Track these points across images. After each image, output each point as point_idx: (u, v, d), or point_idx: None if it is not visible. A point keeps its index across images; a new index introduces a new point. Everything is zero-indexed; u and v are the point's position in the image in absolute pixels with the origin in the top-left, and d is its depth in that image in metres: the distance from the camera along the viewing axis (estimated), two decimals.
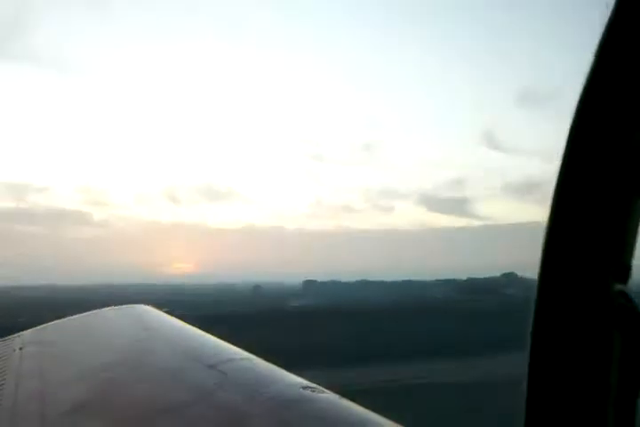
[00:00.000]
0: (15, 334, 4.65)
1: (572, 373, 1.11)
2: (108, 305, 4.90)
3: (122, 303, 4.88)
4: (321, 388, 2.38)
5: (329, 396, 2.29)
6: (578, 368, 1.11)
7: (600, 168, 1.10)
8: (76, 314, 4.89)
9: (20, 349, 4.09)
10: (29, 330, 4.65)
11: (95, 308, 4.91)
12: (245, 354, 2.93)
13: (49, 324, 4.73)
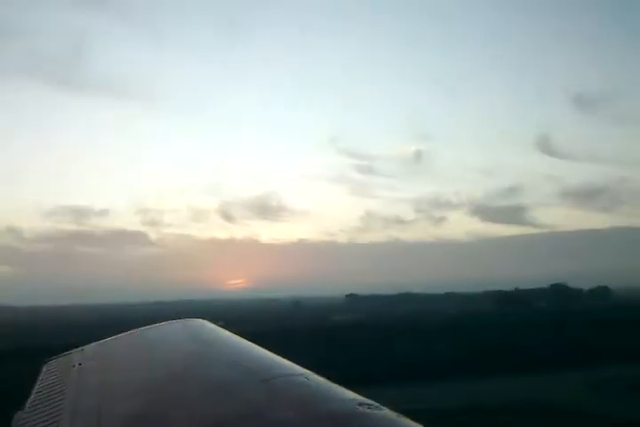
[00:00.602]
0: (74, 350, 4.73)
1: None
2: (166, 320, 4.94)
3: (177, 318, 4.92)
4: (378, 405, 2.31)
5: (386, 413, 2.22)
6: None
7: None
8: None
9: (80, 364, 4.15)
10: (88, 345, 4.72)
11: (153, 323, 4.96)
12: (301, 370, 2.88)
13: (107, 339, 4.79)
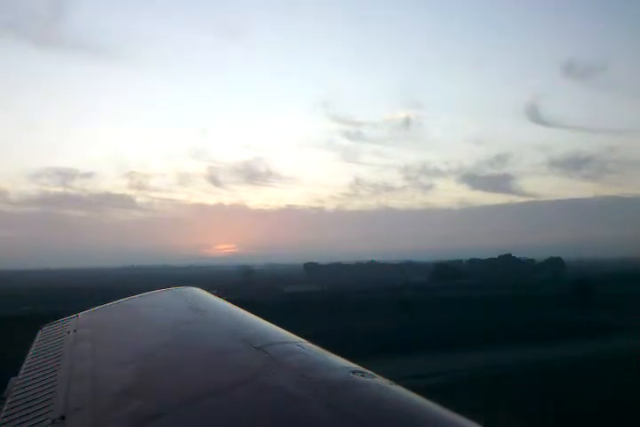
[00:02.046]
0: (68, 317, 4.75)
1: None
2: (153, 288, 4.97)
3: (166, 285, 4.94)
4: (371, 372, 2.32)
5: (379, 381, 2.23)
6: None
7: None
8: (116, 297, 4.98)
9: (75, 331, 4.17)
10: (82, 313, 4.74)
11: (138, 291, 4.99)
12: (294, 338, 2.90)
13: (101, 306, 4.81)
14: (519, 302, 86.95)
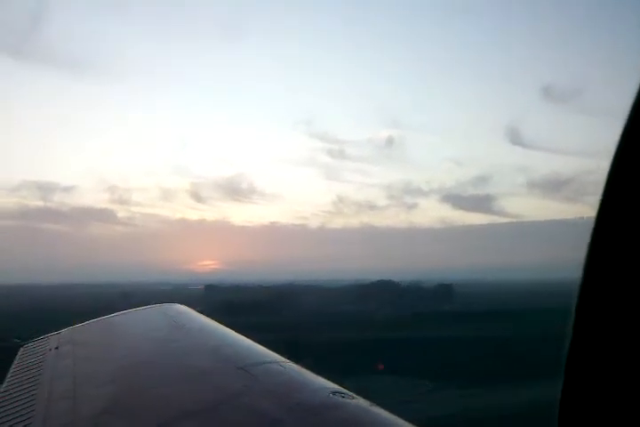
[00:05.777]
0: (51, 334, 4.72)
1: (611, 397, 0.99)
2: (137, 304, 4.94)
3: (148, 302, 4.93)
4: (351, 393, 2.33)
5: (359, 402, 2.24)
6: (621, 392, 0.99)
7: None
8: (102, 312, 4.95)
9: (56, 348, 4.14)
10: (65, 329, 4.71)
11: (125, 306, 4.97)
12: (276, 357, 2.90)
13: (84, 323, 4.78)
14: None
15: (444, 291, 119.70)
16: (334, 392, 2.31)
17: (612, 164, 1.01)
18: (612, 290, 1.01)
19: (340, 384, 2.47)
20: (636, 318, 0.99)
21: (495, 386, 48.82)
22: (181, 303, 4.81)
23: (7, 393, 3.42)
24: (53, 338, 4.51)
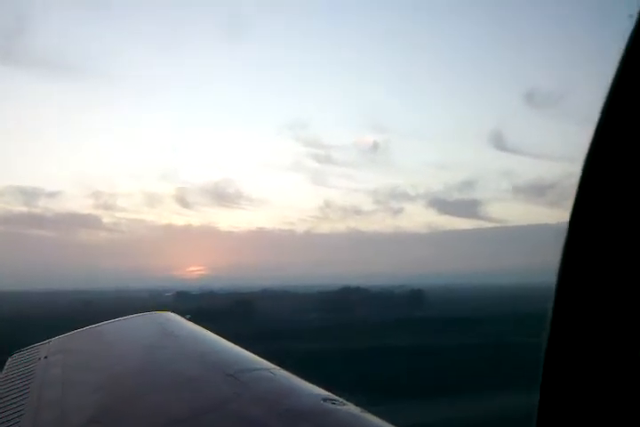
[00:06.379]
0: (40, 343, 4.68)
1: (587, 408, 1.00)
2: (120, 311, 4.91)
3: (134, 310, 4.91)
4: (342, 400, 2.33)
5: (350, 408, 2.24)
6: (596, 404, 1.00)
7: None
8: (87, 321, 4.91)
9: (46, 357, 4.11)
10: (55, 338, 4.68)
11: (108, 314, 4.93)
12: (267, 364, 2.89)
13: (73, 332, 4.75)
14: None
15: (414, 297, 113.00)
16: (325, 399, 2.30)
17: (584, 168, 1.02)
18: (586, 294, 1.01)
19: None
20: (611, 322, 0.99)
21: (411, 401, 40.08)
22: (141, 311, 4.79)
23: None
24: (43, 347, 4.48)
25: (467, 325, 74.09)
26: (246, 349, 3.30)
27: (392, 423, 2.16)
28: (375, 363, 53.80)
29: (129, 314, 4.87)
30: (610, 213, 1.01)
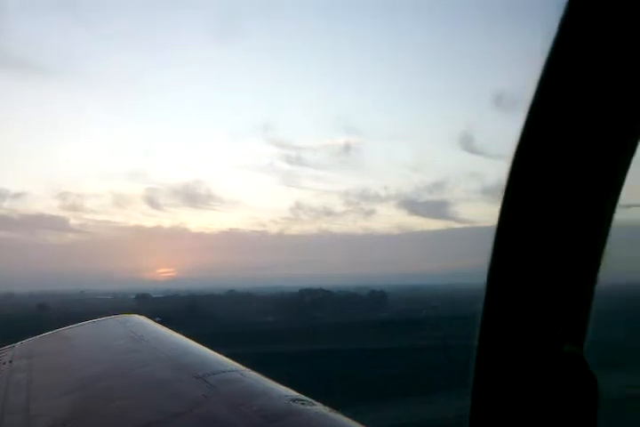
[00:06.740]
0: (4, 347, 4.60)
1: None
2: (79, 315, 4.86)
3: (93, 314, 4.86)
4: (311, 400, 2.34)
5: (319, 408, 2.25)
6: None
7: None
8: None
9: (10, 362, 4.04)
10: (19, 343, 4.60)
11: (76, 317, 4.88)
12: (235, 366, 2.89)
13: (40, 336, 4.68)
14: None
15: (376, 298, 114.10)
16: (294, 399, 2.31)
17: (511, 167, 1.04)
18: (513, 294, 1.02)
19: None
20: (537, 320, 1.00)
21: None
22: (100, 314, 4.75)
23: None
24: (8, 352, 4.40)
25: (419, 326, 73.17)
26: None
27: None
28: (318, 365, 51.73)
29: (85, 318, 4.82)
30: (535, 213, 1.02)
